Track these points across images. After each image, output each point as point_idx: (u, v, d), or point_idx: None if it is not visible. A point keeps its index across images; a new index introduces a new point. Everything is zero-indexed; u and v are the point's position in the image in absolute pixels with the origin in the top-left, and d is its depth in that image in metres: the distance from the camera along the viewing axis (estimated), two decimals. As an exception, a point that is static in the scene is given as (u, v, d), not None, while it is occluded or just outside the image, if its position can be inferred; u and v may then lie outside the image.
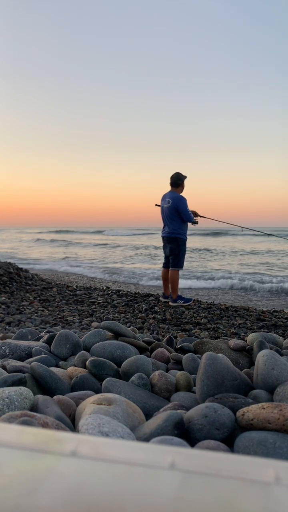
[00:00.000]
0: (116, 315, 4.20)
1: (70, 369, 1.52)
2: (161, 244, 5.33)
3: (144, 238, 29.71)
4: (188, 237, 5.20)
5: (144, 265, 11.57)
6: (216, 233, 33.48)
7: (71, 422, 1.12)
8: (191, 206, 5.08)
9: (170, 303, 4.92)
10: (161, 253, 8.05)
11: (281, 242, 20.06)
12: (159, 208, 5.25)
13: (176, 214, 4.99)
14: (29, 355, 1.72)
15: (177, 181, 5.09)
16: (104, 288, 6.23)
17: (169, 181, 5.14)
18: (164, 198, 5.14)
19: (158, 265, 10.85)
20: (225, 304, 5.04)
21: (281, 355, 1.89)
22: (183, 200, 4.97)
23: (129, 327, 3.31)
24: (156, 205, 5.29)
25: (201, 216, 5.31)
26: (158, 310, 4.52)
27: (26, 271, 6.59)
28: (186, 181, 5.14)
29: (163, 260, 5.33)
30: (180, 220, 5.01)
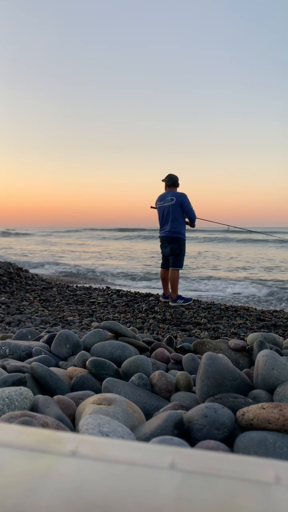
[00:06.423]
0: (116, 315, 4.20)
1: (70, 369, 1.52)
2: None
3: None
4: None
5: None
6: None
7: (71, 422, 1.12)
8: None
9: (170, 303, 4.91)
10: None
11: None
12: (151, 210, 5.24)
13: (180, 212, 4.94)
14: (29, 355, 1.72)
15: (177, 181, 5.11)
16: (104, 288, 6.23)
17: (163, 181, 5.16)
18: (163, 197, 5.08)
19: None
20: (225, 304, 5.03)
21: (281, 355, 1.89)
22: (187, 197, 4.97)
23: (129, 327, 3.31)
24: (151, 207, 5.27)
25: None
26: (158, 310, 4.52)
27: (26, 271, 6.58)
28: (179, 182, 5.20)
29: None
30: (182, 219, 4.98)
